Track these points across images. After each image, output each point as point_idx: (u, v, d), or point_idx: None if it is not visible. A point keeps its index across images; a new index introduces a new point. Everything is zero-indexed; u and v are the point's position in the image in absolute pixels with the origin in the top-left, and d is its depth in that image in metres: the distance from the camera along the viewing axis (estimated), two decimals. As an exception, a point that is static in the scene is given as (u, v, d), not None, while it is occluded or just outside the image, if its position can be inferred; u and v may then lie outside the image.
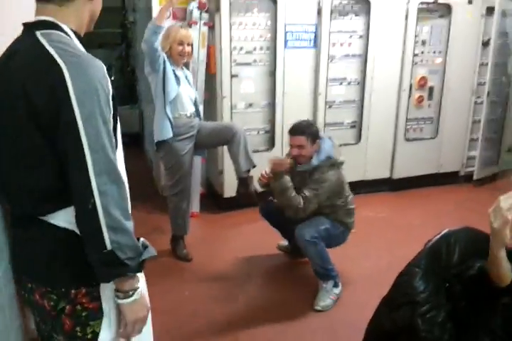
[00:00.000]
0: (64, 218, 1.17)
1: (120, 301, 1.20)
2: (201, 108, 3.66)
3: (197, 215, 4.13)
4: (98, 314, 1.23)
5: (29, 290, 1.28)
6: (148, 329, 1.36)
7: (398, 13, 4.39)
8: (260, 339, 2.56)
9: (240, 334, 2.62)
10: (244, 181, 3.36)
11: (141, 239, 1.26)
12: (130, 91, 6.79)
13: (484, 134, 4.96)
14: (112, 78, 6.61)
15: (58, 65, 1.11)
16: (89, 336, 1.24)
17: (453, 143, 4.95)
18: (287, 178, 2.81)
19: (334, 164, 2.88)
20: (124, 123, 6.73)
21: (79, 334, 1.24)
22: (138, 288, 1.21)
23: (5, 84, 1.17)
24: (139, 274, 1.23)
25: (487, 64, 4.79)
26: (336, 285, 2.95)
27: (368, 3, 4.24)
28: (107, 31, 7.45)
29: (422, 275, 1.58)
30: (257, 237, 3.70)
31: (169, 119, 3.17)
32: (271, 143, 4.27)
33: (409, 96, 4.63)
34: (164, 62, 3.11)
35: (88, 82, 1.13)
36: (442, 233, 1.67)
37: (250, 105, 4.14)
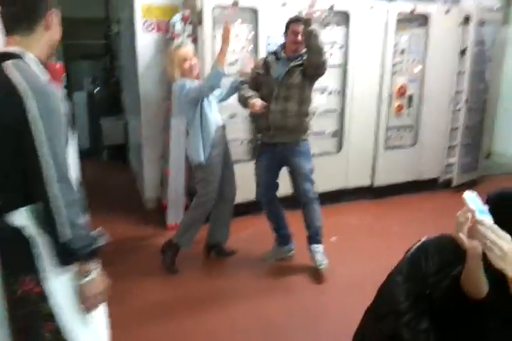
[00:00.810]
0: (14, 218, 1.40)
1: (79, 281, 1.45)
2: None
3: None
4: (43, 298, 1.44)
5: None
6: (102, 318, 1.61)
7: (377, 23, 4.48)
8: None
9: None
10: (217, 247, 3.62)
11: (97, 230, 1.49)
12: (115, 102, 6.80)
13: (462, 141, 5.08)
14: (97, 89, 6.59)
15: (19, 94, 1.33)
16: (38, 315, 1.45)
17: (432, 150, 5.05)
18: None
19: None
20: (109, 134, 6.75)
21: (31, 314, 1.46)
22: (93, 270, 1.46)
23: None
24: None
25: (465, 72, 4.91)
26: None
27: (347, 14, 4.34)
28: (91, 42, 7.50)
29: (404, 283, 1.61)
30: (243, 245, 3.74)
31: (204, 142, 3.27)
32: (253, 153, 4.32)
33: (389, 105, 4.74)
34: None
35: (44, 107, 1.35)
36: (421, 241, 1.70)
37: (233, 116, 4.19)
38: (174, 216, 4.10)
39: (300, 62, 3.20)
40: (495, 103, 6.22)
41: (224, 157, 3.41)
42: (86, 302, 1.48)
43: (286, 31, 3.23)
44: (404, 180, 4.95)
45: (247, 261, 3.55)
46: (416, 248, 1.68)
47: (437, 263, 1.61)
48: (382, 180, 4.79)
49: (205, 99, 3.23)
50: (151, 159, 4.57)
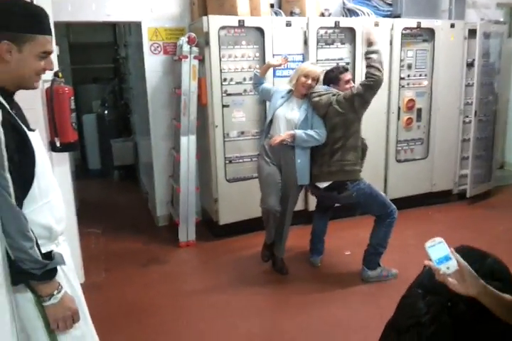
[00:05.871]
0: None
1: (43, 303, 1.48)
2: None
3: (193, 244, 4.14)
4: None
5: None
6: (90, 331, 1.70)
7: (383, 39, 4.50)
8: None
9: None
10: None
11: (53, 252, 1.51)
12: (124, 124, 6.89)
13: (474, 152, 5.04)
14: (107, 111, 6.66)
15: None
16: None
17: (444, 162, 5.03)
18: None
19: None
20: (119, 155, 6.83)
21: None
22: (54, 294, 1.47)
23: None
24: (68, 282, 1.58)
25: (473, 84, 4.92)
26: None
27: (353, 32, 4.38)
28: (100, 66, 7.63)
29: (425, 295, 1.59)
30: (252, 263, 3.73)
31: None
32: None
33: (398, 119, 4.73)
34: (274, 93, 3.50)
35: None
36: None
37: (242, 133, 4.21)
38: (185, 233, 4.12)
39: None
40: (505, 114, 6.20)
41: (282, 174, 3.42)
42: (53, 324, 1.51)
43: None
44: (418, 193, 4.93)
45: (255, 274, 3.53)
46: None
47: (458, 273, 1.58)
48: (395, 192, 4.74)
49: (271, 100, 3.51)
50: (162, 178, 4.62)
